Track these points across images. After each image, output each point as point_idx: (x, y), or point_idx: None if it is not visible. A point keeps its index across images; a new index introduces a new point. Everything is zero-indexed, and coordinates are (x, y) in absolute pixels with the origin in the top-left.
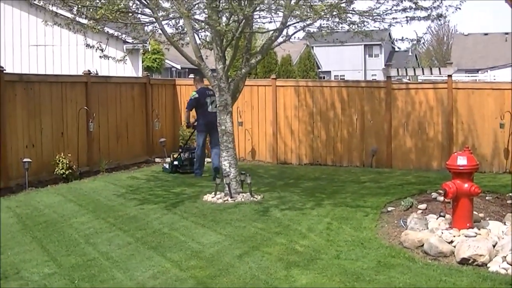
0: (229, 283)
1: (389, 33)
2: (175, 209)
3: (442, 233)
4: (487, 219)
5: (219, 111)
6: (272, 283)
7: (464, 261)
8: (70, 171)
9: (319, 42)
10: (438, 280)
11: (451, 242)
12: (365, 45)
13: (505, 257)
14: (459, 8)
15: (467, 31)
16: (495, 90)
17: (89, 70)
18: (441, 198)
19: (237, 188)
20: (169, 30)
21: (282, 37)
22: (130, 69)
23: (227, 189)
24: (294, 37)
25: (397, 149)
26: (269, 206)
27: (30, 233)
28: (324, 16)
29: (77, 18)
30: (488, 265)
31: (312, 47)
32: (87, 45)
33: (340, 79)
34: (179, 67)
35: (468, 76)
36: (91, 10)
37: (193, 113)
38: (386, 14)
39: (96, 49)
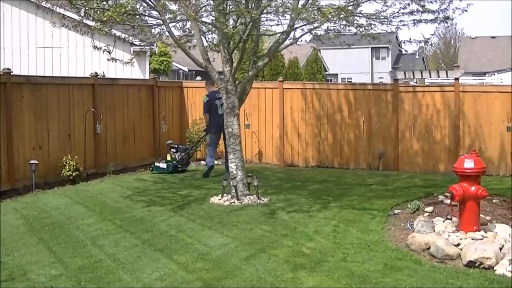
0: (236, 286)
1: (396, 36)
2: (182, 211)
3: (449, 236)
4: (494, 222)
5: (226, 114)
6: (279, 285)
7: (470, 264)
8: (77, 173)
9: (326, 44)
10: (445, 283)
11: (458, 245)
12: (372, 48)
13: None
14: (466, 11)
15: (475, 34)
16: (502, 93)
17: (96, 72)
18: (448, 201)
19: (244, 191)
20: (176, 33)
21: (289, 39)
22: (137, 72)
23: (234, 191)
24: (301, 40)
25: (404, 152)
26: (276, 209)
27: (37, 234)
28: (331, 19)
29: (85, 20)
30: (494, 268)
31: (319, 49)
32: (95, 47)
33: (347, 81)
34: (186, 69)
35: (475, 79)
36: (98, 12)
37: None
38: (393, 17)
39: (103, 51)
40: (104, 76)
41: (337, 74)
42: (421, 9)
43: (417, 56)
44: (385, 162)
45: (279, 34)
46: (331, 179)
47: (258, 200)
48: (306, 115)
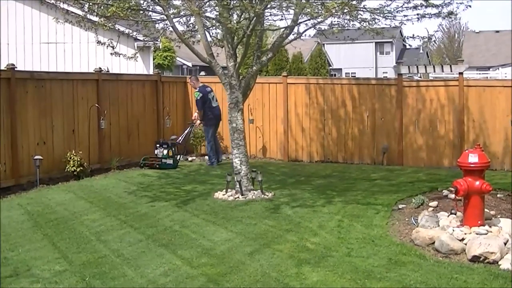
0: (240, 281)
1: (400, 31)
2: (186, 206)
3: (453, 230)
4: (498, 216)
5: (230, 108)
6: (283, 280)
7: (475, 259)
8: (81, 168)
9: (330, 39)
10: (449, 277)
11: (462, 239)
12: (376, 43)
13: None
14: (470, 6)
15: (479, 28)
16: (506, 88)
17: (100, 68)
18: (452, 196)
19: (248, 186)
20: (180, 28)
21: (293, 34)
22: (141, 67)
23: (238, 186)
24: (305, 35)
25: (408, 147)
26: (280, 204)
27: (41, 230)
28: (335, 13)
29: (88, 16)
30: (499, 263)
31: (323, 44)
32: (98, 42)
33: (351, 76)
34: (190, 64)
35: (479, 74)
36: (102, 7)
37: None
38: (397, 12)
39: (107, 47)
40: (108, 71)
41: (341, 69)
42: (425, 4)
43: (421, 51)
44: (389, 157)
45: (283, 29)
46: (335, 174)
47: (262, 195)
48: (310, 110)
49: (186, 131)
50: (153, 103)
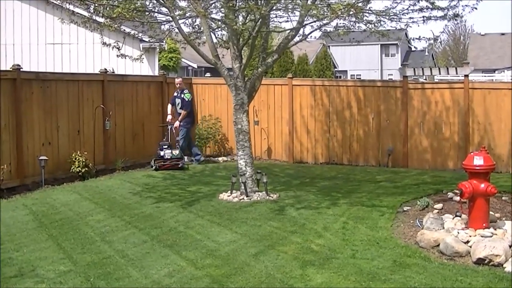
0: (245, 282)
1: (406, 33)
2: (191, 207)
3: (458, 233)
4: (504, 219)
5: (235, 110)
6: (288, 282)
7: (480, 261)
8: (86, 169)
9: (335, 41)
10: (454, 280)
11: (467, 242)
12: (381, 45)
13: None
14: (476, 8)
15: (484, 31)
16: None
17: (105, 69)
18: (457, 198)
19: (253, 187)
20: (186, 29)
21: (298, 36)
22: (146, 68)
23: (243, 188)
24: (311, 37)
25: (413, 149)
26: (285, 205)
27: (46, 230)
28: (341, 15)
29: (94, 17)
30: (504, 266)
31: (329, 46)
32: (104, 44)
33: (356, 78)
34: (195, 66)
35: (485, 76)
36: (108, 8)
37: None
38: (402, 14)
39: (113, 48)
40: (113, 72)
41: (346, 71)
42: (430, 6)
43: (426, 53)
44: (394, 159)
45: (289, 31)
46: (340, 175)
47: (267, 197)
48: (315, 112)
49: (169, 132)
50: (158, 104)
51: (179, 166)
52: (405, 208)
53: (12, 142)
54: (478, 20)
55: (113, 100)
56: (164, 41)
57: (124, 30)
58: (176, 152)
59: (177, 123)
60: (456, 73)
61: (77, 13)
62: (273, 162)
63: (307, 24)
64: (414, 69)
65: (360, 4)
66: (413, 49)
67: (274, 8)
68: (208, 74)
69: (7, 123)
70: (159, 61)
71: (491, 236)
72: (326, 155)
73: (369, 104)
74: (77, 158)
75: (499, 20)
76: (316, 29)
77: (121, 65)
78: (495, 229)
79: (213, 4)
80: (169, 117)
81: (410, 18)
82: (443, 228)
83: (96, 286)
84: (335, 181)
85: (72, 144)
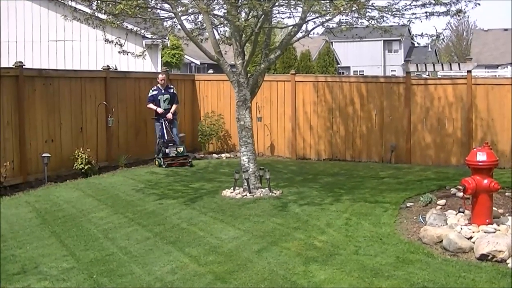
0: (247, 278)
1: (409, 29)
2: (194, 204)
3: (461, 229)
4: (507, 215)
5: (238, 106)
6: (291, 278)
7: (483, 257)
8: (89, 166)
9: (338, 37)
10: (457, 276)
11: (470, 238)
12: (384, 41)
13: None
14: (479, 4)
15: (487, 26)
16: None
17: (108, 66)
18: (461, 194)
19: (256, 183)
20: (188, 26)
21: (301, 32)
22: (149, 65)
23: (245, 184)
24: (313, 33)
25: (416, 145)
26: (288, 202)
27: (49, 227)
28: (344, 11)
29: (96, 13)
30: (507, 261)
31: (331, 42)
32: (106, 40)
33: (359, 74)
34: (198, 62)
35: (488, 72)
36: (110, 5)
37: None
38: (405, 10)
39: (115, 44)
40: (116, 69)
41: (349, 67)
42: (433, 2)
43: (429, 49)
44: (397, 155)
45: (291, 27)
46: (343, 172)
47: (270, 193)
48: (318, 108)
49: (165, 128)
50: None
51: (189, 164)
52: (408, 204)
53: (15, 139)
54: (481, 15)
55: (116, 97)
56: (167, 38)
57: (127, 26)
58: (181, 149)
59: (169, 115)
60: (459, 69)
61: (80, 10)
62: (276, 158)
63: (309, 20)
64: (417, 65)
65: (362, 0)
66: (416, 45)
67: (277, 4)
68: (211, 71)
69: (10, 120)
70: (161, 57)
71: (494, 232)
72: (329, 151)
73: (372, 100)
74: (80, 155)
75: (502, 16)
76: (318, 25)
77: (123, 62)
78: (498, 225)
79: (216, 0)
80: (160, 110)
81: (413, 13)
82: (446, 224)
83: (99, 282)
84: (338, 177)
85: (75, 141)
